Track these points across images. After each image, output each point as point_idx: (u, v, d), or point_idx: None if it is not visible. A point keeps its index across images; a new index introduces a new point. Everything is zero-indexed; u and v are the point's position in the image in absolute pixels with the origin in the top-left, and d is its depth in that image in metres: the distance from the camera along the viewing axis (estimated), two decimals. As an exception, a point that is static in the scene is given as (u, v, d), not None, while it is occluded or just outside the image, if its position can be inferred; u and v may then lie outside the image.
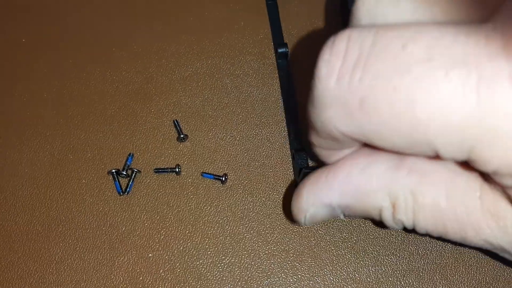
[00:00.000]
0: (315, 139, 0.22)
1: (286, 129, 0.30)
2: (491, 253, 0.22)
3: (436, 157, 0.18)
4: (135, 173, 0.29)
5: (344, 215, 0.23)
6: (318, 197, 0.23)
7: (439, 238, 0.22)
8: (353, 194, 0.22)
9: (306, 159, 0.26)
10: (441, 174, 0.20)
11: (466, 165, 0.19)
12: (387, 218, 0.22)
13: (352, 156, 0.22)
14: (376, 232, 0.26)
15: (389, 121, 0.17)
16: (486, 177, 0.19)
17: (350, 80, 0.18)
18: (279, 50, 0.31)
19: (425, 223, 0.21)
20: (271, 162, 0.29)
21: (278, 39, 0.33)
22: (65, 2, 0.35)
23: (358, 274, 0.26)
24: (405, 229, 0.22)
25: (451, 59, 0.16)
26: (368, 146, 0.22)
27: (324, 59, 0.19)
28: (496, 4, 0.18)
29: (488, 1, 0.18)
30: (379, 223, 0.23)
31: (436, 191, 0.20)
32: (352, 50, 0.18)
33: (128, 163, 0.29)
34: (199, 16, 0.34)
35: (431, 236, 0.24)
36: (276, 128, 0.30)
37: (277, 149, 0.29)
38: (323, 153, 0.23)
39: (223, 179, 0.28)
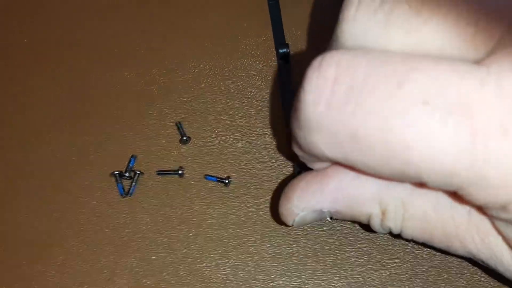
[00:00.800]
0: (298, 151, 0.22)
1: (289, 131, 0.30)
2: (473, 261, 0.23)
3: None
4: (138, 175, 0.29)
5: (332, 218, 0.24)
6: (309, 203, 0.23)
7: (424, 244, 0.23)
8: (344, 201, 0.22)
9: None
10: None
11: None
12: (376, 224, 0.22)
13: None
14: (381, 236, 0.26)
15: (380, 157, 0.18)
16: None
17: (341, 112, 0.18)
18: (280, 51, 0.31)
19: (412, 231, 0.22)
20: (275, 164, 0.29)
21: (279, 40, 0.32)
22: (67, 3, 0.35)
23: (362, 278, 0.26)
24: (390, 233, 0.23)
25: (446, 104, 0.16)
26: None
27: (311, 84, 0.18)
28: (490, 43, 0.17)
29: (481, 42, 0.18)
30: (366, 226, 0.24)
31: (426, 203, 0.21)
32: (343, 79, 0.18)
33: (130, 165, 0.29)
34: (202, 17, 0.34)
35: (415, 242, 0.25)
36: (280, 130, 0.30)
37: (280, 152, 0.29)
38: (305, 160, 0.23)
39: (227, 181, 0.28)
